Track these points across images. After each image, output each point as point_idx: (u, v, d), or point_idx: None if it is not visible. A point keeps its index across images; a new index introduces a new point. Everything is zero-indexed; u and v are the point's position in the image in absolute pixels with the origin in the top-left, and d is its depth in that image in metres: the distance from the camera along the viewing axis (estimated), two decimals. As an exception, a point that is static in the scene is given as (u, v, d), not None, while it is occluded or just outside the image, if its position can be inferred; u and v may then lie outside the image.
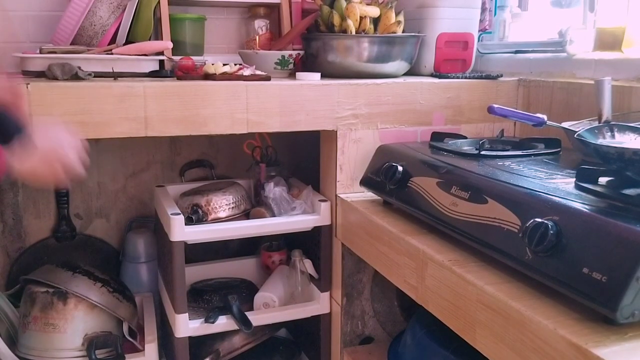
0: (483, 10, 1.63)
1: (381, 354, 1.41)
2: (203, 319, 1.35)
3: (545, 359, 0.72)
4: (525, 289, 0.82)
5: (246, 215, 1.47)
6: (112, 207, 1.75)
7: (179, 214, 1.30)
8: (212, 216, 1.41)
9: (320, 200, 1.40)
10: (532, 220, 0.81)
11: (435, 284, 0.96)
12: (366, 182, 1.30)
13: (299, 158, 1.79)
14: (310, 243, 1.52)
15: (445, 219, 1.00)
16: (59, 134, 0.94)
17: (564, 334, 0.69)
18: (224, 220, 1.41)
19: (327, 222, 1.41)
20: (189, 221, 1.35)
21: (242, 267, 1.71)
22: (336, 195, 1.38)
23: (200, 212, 1.40)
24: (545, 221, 0.78)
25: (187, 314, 1.33)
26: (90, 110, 1.15)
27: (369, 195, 1.33)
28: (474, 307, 0.86)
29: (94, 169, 1.70)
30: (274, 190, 1.45)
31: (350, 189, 1.39)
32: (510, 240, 0.85)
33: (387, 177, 1.18)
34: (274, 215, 1.43)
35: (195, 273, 1.60)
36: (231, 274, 1.67)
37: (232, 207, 1.44)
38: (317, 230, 1.43)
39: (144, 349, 1.35)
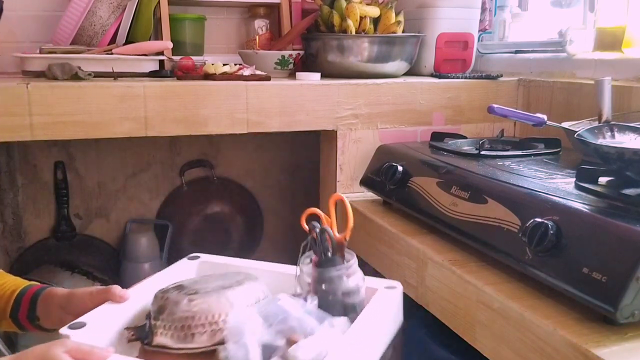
0: (483, 10, 1.63)
1: (381, 354, 1.41)
2: None
3: (545, 359, 0.72)
4: (525, 289, 0.82)
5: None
6: (112, 207, 1.75)
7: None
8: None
9: None
10: (532, 220, 0.81)
11: (435, 284, 0.96)
12: (366, 182, 1.30)
13: (299, 158, 1.79)
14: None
15: (445, 219, 1.00)
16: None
17: (564, 334, 0.69)
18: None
19: None
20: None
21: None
22: (336, 195, 1.38)
23: (146, 326, 0.74)
24: (545, 221, 0.78)
25: None
26: (90, 110, 1.15)
27: (369, 195, 1.33)
28: (474, 307, 0.86)
29: (94, 169, 1.70)
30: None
31: (350, 189, 1.39)
32: (510, 240, 0.85)
33: (387, 177, 1.18)
34: None
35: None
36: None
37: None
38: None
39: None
